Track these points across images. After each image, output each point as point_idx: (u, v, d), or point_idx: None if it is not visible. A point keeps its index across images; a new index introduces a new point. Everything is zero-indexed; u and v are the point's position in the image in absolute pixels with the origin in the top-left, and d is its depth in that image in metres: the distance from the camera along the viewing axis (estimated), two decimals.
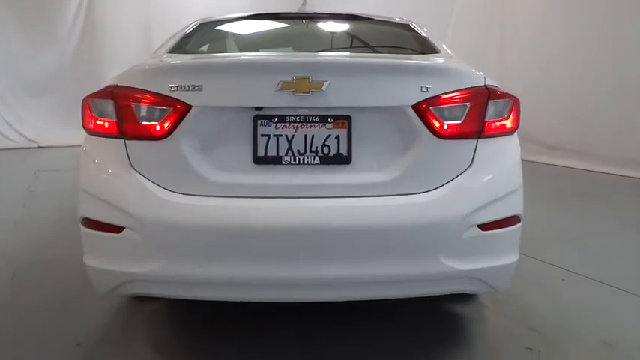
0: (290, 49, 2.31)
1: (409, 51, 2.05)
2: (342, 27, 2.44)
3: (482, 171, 1.65)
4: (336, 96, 1.56)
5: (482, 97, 1.64)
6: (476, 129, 1.64)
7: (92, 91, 1.71)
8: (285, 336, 2.02)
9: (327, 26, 2.46)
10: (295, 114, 1.60)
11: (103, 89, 1.70)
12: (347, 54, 2.17)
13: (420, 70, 1.64)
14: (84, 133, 1.75)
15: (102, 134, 1.69)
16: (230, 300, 1.72)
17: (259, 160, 1.61)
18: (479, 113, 1.63)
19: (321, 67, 1.58)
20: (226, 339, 2.00)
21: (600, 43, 5.69)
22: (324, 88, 1.54)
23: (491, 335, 2.11)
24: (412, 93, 1.59)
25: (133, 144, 1.62)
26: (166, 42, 2.23)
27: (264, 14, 2.51)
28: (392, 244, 1.58)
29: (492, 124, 1.67)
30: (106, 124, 1.66)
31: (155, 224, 1.56)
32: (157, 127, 1.59)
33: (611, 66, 5.58)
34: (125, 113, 1.62)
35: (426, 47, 2.09)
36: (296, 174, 1.61)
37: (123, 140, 1.64)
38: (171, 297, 1.74)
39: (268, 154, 1.61)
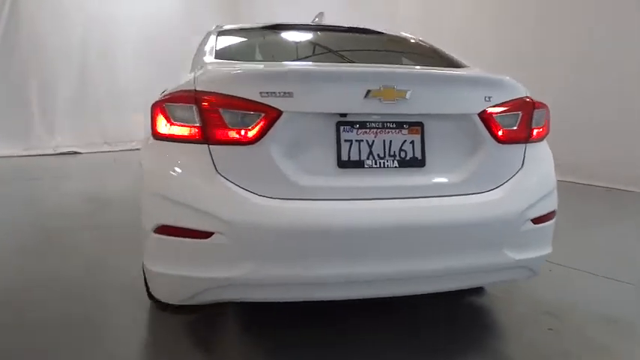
0: (334, 59, 2.40)
1: (444, 64, 2.23)
2: (368, 40, 2.58)
3: (531, 172, 1.87)
4: (414, 104, 1.69)
5: (530, 106, 1.87)
6: (525, 135, 1.86)
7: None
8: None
9: (352, 39, 2.59)
10: (375, 120, 1.71)
11: (179, 94, 1.69)
12: (412, 66, 2.30)
13: (484, 82, 1.83)
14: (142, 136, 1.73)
15: (180, 139, 1.68)
16: (316, 299, 1.77)
17: (343, 164, 1.69)
18: (527, 121, 1.86)
19: (405, 77, 1.71)
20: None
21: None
22: (407, 96, 1.67)
23: (512, 321, 2.33)
24: (478, 102, 1.77)
25: (218, 149, 1.63)
26: (202, 48, 2.24)
27: (286, 25, 2.60)
28: (464, 239, 1.74)
29: (535, 131, 1.90)
30: (188, 130, 1.66)
31: (247, 228, 1.58)
32: (248, 133, 1.62)
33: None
34: (212, 119, 1.62)
35: (453, 61, 2.29)
36: (377, 177, 1.71)
37: (207, 145, 1.64)
38: (257, 300, 1.76)
39: (351, 158, 1.70)
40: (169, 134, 1.70)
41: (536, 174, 1.89)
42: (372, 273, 1.67)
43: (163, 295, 1.83)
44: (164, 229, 1.66)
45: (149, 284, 1.92)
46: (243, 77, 1.70)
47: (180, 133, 1.68)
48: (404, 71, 1.76)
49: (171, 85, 1.84)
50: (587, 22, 5.66)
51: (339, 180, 1.69)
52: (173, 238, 1.65)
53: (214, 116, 1.63)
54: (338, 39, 2.56)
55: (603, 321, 2.28)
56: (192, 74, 1.82)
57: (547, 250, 1.94)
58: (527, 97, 1.89)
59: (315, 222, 1.61)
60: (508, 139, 1.82)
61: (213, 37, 2.34)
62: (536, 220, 1.84)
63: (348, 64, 2.19)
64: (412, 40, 2.64)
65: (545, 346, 2.07)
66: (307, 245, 1.61)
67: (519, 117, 1.84)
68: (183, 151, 1.68)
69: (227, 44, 2.29)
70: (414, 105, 1.70)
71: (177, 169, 1.69)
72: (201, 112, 1.63)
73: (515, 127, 1.83)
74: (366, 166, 1.71)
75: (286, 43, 2.57)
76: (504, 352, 2.04)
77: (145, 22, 8.90)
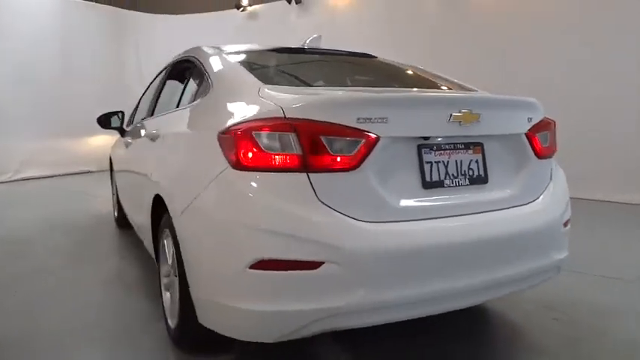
0: (374, 83, 2.44)
1: (462, 88, 2.42)
2: (384, 65, 2.67)
3: (557, 183, 2.13)
4: (479, 126, 1.85)
5: (553, 125, 2.14)
6: (552, 150, 2.13)
7: None
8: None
9: (363, 63, 2.66)
10: (449, 142, 1.83)
11: (271, 122, 1.62)
12: (473, 92, 2.37)
13: (526, 105, 2.04)
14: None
15: (275, 169, 1.61)
16: (414, 317, 1.80)
17: (427, 185, 1.77)
18: (552, 138, 2.12)
19: (479, 102, 1.85)
20: None
21: None
22: (479, 119, 1.81)
23: (519, 315, 2.59)
24: (524, 123, 1.99)
25: (319, 176, 1.60)
26: (239, 72, 2.14)
27: (298, 49, 2.60)
28: (524, 246, 1.92)
29: (554, 146, 2.18)
30: (285, 158, 1.60)
31: (359, 254, 1.58)
32: (349, 159, 1.62)
33: None
34: (313, 146, 1.59)
35: (465, 86, 2.49)
36: (454, 195, 1.82)
37: (305, 173, 1.60)
38: (361, 326, 1.72)
39: (433, 179, 1.79)
40: (261, 164, 1.62)
41: (560, 184, 2.15)
42: (461, 286, 1.77)
43: (254, 334, 1.71)
44: (264, 264, 1.57)
45: (224, 325, 1.77)
46: (339, 103, 1.69)
47: (275, 163, 1.61)
48: (478, 96, 1.90)
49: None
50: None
51: (425, 200, 1.76)
52: (276, 272, 1.57)
53: (315, 143, 1.60)
54: (361, 64, 2.62)
55: (600, 310, 2.63)
56: (265, 101, 1.75)
57: (567, 249, 2.22)
58: (546, 117, 2.17)
59: (416, 242, 1.66)
60: (543, 155, 2.06)
61: (227, 62, 2.27)
62: (565, 224, 2.11)
63: (419, 89, 2.28)
64: (420, 67, 2.79)
65: (553, 333, 2.35)
66: (412, 265, 1.65)
67: (548, 135, 2.09)
68: (279, 180, 1.61)
69: (256, 69, 2.22)
70: (478, 127, 1.85)
71: (276, 200, 1.60)
72: (301, 139, 1.59)
73: (547, 144, 2.08)
74: (445, 185, 1.81)
75: (317, 67, 2.57)
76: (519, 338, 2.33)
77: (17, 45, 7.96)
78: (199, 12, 9.27)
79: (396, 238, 1.64)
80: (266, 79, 2.04)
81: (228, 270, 1.66)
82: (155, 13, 9.63)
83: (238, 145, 1.64)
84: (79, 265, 3.53)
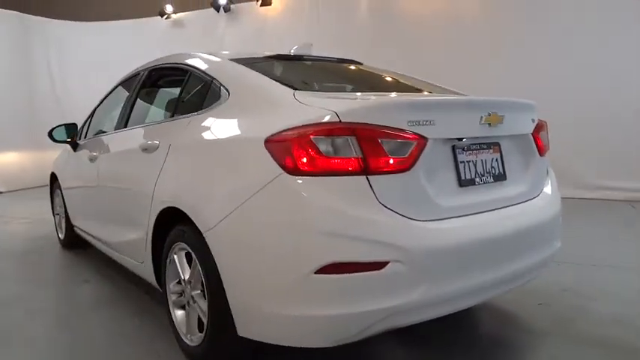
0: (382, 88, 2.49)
1: (452, 92, 2.55)
2: (372, 71, 2.74)
3: (552, 178, 2.36)
4: (504, 127, 1.99)
5: (545, 125, 2.35)
6: (547, 148, 2.34)
7: None
8: None
9: (362, 69, 2.71)
10: (476, 143, 1.95)
11: (328, 126, 1.63)
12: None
13: (530, 107, 2.22)
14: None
15: (333, 172, 1.62)
16: (461, 308, 1.88)
17: (463, 183, 1.88)
18: (546, 137, 2.34)
19: (502, 104, 1.99)
20: None
21: None
22: (504, 121, 1.96)
23: (506, 303, 2.79)
24: (530, 123, 2.18)
25: (377, 178, 1.64)
26: (259, 78, 2.11)
27: (301, 56, 2.61)
28: (539, 236, 2.09)
29: (548, 145, 2.39)
30: (344, 162, 1.62)
31: (419, 252, 1.64)
32: (403, 161, 1.67)
33: None
34: (372, 149, 1.63)
35: (456, 91, 2.65)
36: (483, 191, 1.95)
37: (364, 176, 1.63)
38: (416, 322, 1.76)
39: (467, 177, 1.90)
40: (320, 169, 1.62)
41: (553, 179, 2.38)
42: (498, 275, 1.89)
43: (317, 340, 1.69)
44: (332, 268, 1.58)
45: (280, 334, 1.75)
46: (392, 107, 1.74)
47: (335, 167, 1.62)
48: (502, 99, 2.03)
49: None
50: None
51: (463, 198, 1.87)
52: (342, 275, 1.58)
53: (374, 146, 1.64)
54: (360, 70, 2.67)
55: (586, 294, 2.90)
56: (311, 106, 1.76)
57: None
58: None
59: (465, 237, 1.76)
60: (543, 153, 2.27)
61: (239, 69, 2.23)
62: (560, 215, 2.34)
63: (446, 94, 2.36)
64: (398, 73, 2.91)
65: (540, 315, 2.59)
66: (463, 259, 1.75)
67: (545, 134, 2.31)
68: (340, 184, 1.62)
69: (272, 75, 2.19)
70: (501, 128, 1.99)
71: (339, 203, 1.61)
72: (360, 143, 1.62)
73: (545, 143, 2.29)
74: (476, 183, 1.93)
75: (325, 73, 2.57)
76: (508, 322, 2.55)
77: None
78: (120, 19, 8.79)
79: (448, 234, 1.73)
80: (290, 85, 2.04)
81: (287, 277, 1.64)
82: (70, 19, 8.96)
83: (296, 151, 1.63)
84: (46, 292, 3.24)
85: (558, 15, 6.02)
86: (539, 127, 2.25)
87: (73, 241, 4.16)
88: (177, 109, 2.52)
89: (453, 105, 1.92)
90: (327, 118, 1.66)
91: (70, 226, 4.04)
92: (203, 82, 2.34)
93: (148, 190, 2.34)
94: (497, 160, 2.04)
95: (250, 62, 2.37)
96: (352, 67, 2.79)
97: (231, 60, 2.39)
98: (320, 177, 1.63)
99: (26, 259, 4.03)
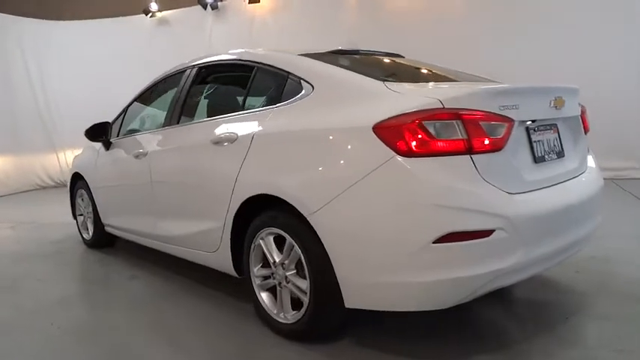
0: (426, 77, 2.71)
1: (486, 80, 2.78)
2: (421, 63, 2.93)
3: (591, 155, 2.63)
4: (565, 109, 2.24)
5: (584, 107, 2.63)
6: (589, 129, 2.61)
7: None
8: None
9: (414, 61, 2.90)
10: (542, 124, 2.19)
11: (436, 112, 1.83)
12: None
13: (579, 92, 2.48)
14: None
15: (442, 153, 1.83)
16: (544, 270, 2.12)
17: (537, 160, 2.12)
18: (585, 118, 2.62)
19: (564, 90, 2.24)
20: None
21: None
22: (565, 105, 2.21)
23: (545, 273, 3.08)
24: (578, 106, 2.44)
25: (479, 157, 1.86)
26: (340, 72, 2.29)
27: (359, 50, 2.79)
28: (592, 207, 2.36)
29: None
30: (452, 143, 1.83)
31: (517, 220, 1.86)
32: (499, 141, 1.90)
33: None
34: (475, 131, 1.85)
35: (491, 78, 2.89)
36: (551, 167, 2.20)
37: (469, 156, 1.84)
38: (512, 283, 1.99)
39: (539, 155, 2.14)
40: (431, 150, 1.82)
41: (592, 156, 2.66)
42: (570, 241, 2.15)
43: (436, 302, 1.90)
44: (449, 237, 1.78)
45: (395, 301, 1.95)
46: (486, 94, 1.96)
47: (444, 148, 1.83)
48: (564, 85, 2.28)
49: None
50: None
51: (538, 173, 2.10)
52: (456, 243, 1.79)
53: (476, 129, 1.85)
54: (413, 63, 2.86)
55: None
56: (412, 95, 1.97)
57: None
58: None
59: (549, 206, 2.02)
60: (586, 132, 2.54)
61: (315, 64, 2.41)
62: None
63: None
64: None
65: (578, 280, 2.89)
66: (549, 225, 2.01)
67: (586, 114, 2.58)
68: (449, 163, 1.84)
69: (348, 68, 2.37)
70: (563, 110, 2.24)
71: (450, 180, 1.83)
72: (466, 126, 1.83)
73: (586, 123, 2.57)
74: (545, 159, 2.17)
75: (389, 65, 2.74)
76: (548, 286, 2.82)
77: None
78: (102, 17, 8.63)
79: (536, 204, 1.97)
80: (373, 76, 2.22)
81: (405, 248, 1.83)
82: (48, 18, 8.71)
83: (408, 135, 1.83)
84: (103, 289, 3.31)
85: (548, 9, 6.38)
86: (583, 110, 2.53)
87: (101, 241, 4.20)
88: (246, 103, 2.65)
89: (532, 91, 2.16)
90: (432, 105, 1.86)
91: (99, 225, 4.06)
92: (277, 77, 2.48)
93: (227, 180, 2.47)
94: (556, 139, 2.29)
95: (320, 57, 2.53)
96: (401, 60, 2.99)
97: (301, 55, 2.54)
98: (430, 157, 1.83)
99: (60, 260, 4.03)
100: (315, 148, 2.11)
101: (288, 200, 2.15)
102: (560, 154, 2.29)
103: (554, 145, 2.26)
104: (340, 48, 2.79)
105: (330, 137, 2.07)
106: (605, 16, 6.29)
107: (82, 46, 8.74)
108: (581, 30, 6.31)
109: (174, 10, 8.53)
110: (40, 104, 8.77)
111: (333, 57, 2.60)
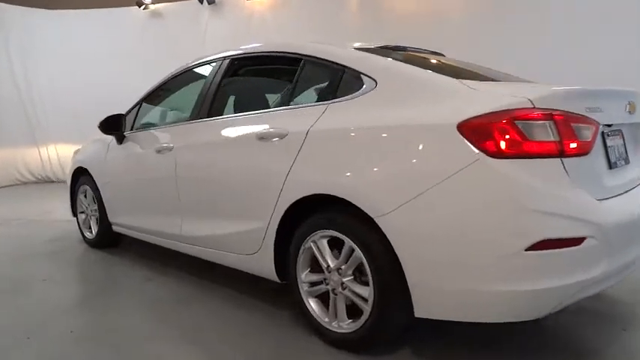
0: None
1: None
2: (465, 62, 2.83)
3: None
4: (636, 114, 2.17)
5: None
6: None
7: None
8: None
9: (460, 60, 2.79)
10: (613, 130, 2.11)
11: (528, 112, 1.73)
12: None
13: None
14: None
15: (534, 155, 1.72)
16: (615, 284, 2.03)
17: (612, 166, 2.04)
18: None
19: (636, 94, 2.16)
20: None
21: None
22: (636, 109, 2.14)
23: None
24: None
25: (569, 161, 1.76)
26: (406, 68, 2.16)
27: (405, 46, 2.67)
28: None
29: None
30: (544, 145, 1.73)
31: (607, 227, 1.76)
32: (586, 144, 1.81)
33: None
34: (567, 133, 1.75)
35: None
36: (622, 173, 2.12)
37: (559, 159, 1.74)
38: (591, 295, 1.89)
39: (613, 160, 2.05)
40: (522, 152, 1.72)
41: None
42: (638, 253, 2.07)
43: (520, 313, 1.79)
44: (540, 245, 1.67)
45: (476, 310, 1.83)
46: (575, 95, 1.86)
47: (534, 150, 1.72)
48: (636, 90, 2.21)
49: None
50: None
51: (614, 179, 2.02)
52: (548, 251, 1.69)
53: (568, 131, 1.75)
54: (459, 62, 2.75)
55: None
56: (496, 94, 1.87)
57: None
58: None
59: (631, 212, 1.94)
60: None
61: (374, 59, 2.29)
62: None
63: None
64: None
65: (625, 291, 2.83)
66: (631, 232, 1.92)
67: None
68: (540, 166, 1.73)
69: (421, 65, 2.25)
70: (633, 115, 2.16)
71: (542, 185, 1.72)
72: (558, 127, 1.73)
73: None
74: (617, 165, 2.09)
75: (448, 63, 2.62)
76: None
77: None
78: (91, 8, 8.28)
79: (619, 211, 1.89)
80: (446, 73, 2.11)
81: (493, 255, 1.72)
82: (34, 6, 8.30)
83: (498, 134, 1.71)
84: (118, 291, 3.11)
85: (547, 11, 6.40)
86: None
87: (106, 241, 3.96)
88: (292, 97, 2.50)
89: (611, 94, 2.08)
90: (523, 104, 1.75)
91: (105, 224, 3.82)
92: (330, 71, 2.34)
93: (275, 177, 2.31)
94: (623, 145, 2.22)
95: (375, 52, 2.40)
96: (448, 58, 2.88)
97: (357, 49, 2.41)
98: (521, 159, 1.72)
99: (62, 260, 3.77)
100: (386, 146, 1.97)
101: (351, 201, 2.01)
102: (627, 161, 2.22)
103: (621, 152, 2.19)
104: (386, 44, 2.67)
105: (405, 135, 1.94)
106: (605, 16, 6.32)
107: (70, 37, 8.38)
108: (582, 27, 6.31)
109: (169, 3, 8.26)
110: (23, 97, 8.35)
111: (387, 52, 2.48)
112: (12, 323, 2.57)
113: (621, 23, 5.77)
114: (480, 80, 2.23)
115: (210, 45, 7.91)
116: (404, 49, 2.70)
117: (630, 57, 5.57)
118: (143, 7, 8.24)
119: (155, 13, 8.33)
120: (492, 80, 2.36)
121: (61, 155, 8.58)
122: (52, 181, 8.72)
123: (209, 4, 7.98)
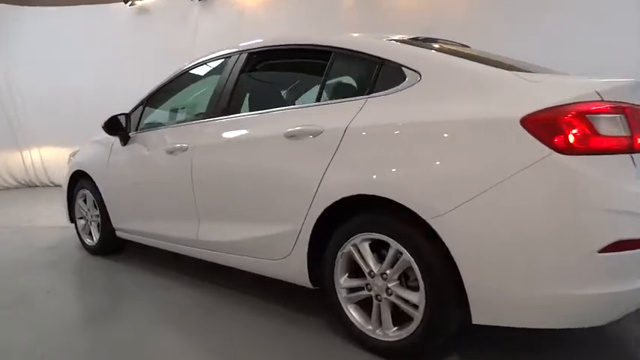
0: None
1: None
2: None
3: None
4: None
5: None
6: None
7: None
8: None
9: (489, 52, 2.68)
10: None
11: (602, 104, 1.62)
12: None
13: None
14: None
15: (605, 150, 1.62)
16: None
17: None
18: None
19: None
20: None
21: None
22: None
23: None
24: None
25: (638, 156, 1.66)
26: (451, 60, 2.04)
27: (434, 38, 2.54)
28: None
29: None
30: (615, 140, 1.63)
31: None
32: None
33: None
34: (637, 127, 1.65)
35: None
36: None
37: (629, 154, 1.64)
38: None
39: None
40: (593, 147, 1.61)
41: None
42: None
43: (590, 319, 1.68)
44: (614, 246, 1.57)
45: (544, 316, 1.71)
46: (636, 87, 1.77)
47: (605, 145, 1.62)
48: None
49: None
50: None
51: None
52: (622, 252, 1.58)
53: (638, 125, 1.65)
54: (486, 54, 2.64)
55: None
56: (561, 85, 1.78)
57: None
58: None
59: None
60: None
61: (415, 50, 2.17)
62: None
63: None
64: None
65: None
66: None
67: None
68: (609, 162, 1.62)
69: (464, 57, 2.13)
70: None
71: (615, 182, 1.61)
72: (629, 121, 1.63)
73: None
74: None
75: (483, 55, 2.48)
76: None
77: None
78: (75, 4, 7.97)
79: None
80: (496, 65, 2.00)
81: (563, 258, 1.61)
82: (15, 3, 7.96)
83: (568, 129, 1.60)
84: (138, 302, 2.92)
85: (544, 14, 6.39)
86: None
87: (108, 248, 3.76)
88: (323, 92, 2.36)
89: None
90: (591, 97, 1.65)
91: (108, 230, 3.62)
92: (366, 64, 2.21)
93: (309, 178, 2.17)
94: None
95: (412, 43, 2.28)
96: (473, 49, 2.77)
97: (392, 41, 2.28)
98: (591, 155, 1.62)
99: (64, 269, 3.57)
100: (440, 143, 1.84)
101: (401, 202, 1.88)
102: None
103: None
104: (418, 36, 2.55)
105: (460, 131, 1.81)
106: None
107: (53, 35, 8.05)
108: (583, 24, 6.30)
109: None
110: (3, 98, 8.01)
111: (423, 44, 2.35)
112: (23, 340, 2.38)
113: (621, 21, 5.78)
114: (532, 72, 2.12)
115: (201, 42, 7.71)
116: (435, 40, 2.58)
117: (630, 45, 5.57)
118: (130, 3, 7.98)
119: (142, 9, 8.08)
120: (538, 73, 2.26)
121: (45, 159, 8.28)
122: (36, 186, 8.40)
123: (199, 0, 7.77)
